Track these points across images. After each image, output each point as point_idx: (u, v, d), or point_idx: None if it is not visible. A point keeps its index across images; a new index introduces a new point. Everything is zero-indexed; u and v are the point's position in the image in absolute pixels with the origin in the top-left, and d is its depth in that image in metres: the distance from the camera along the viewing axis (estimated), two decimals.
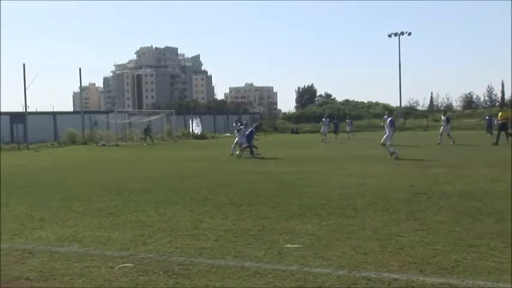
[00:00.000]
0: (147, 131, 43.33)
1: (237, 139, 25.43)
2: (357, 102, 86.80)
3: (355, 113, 75.74)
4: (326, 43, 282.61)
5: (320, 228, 7.99)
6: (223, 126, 70.19)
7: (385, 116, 31.99)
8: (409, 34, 71.85)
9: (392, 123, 22.03)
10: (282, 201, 10.75)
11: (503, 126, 29.63)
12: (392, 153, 20.82)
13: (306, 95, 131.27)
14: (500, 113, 31.24)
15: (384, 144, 21.95)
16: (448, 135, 30.35)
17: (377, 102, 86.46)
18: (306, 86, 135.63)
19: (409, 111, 76.89)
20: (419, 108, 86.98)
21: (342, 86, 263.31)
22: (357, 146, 29.16)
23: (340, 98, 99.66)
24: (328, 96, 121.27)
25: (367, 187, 12.62)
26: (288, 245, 6.97)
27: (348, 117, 51.67)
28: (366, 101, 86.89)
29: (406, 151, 24.20)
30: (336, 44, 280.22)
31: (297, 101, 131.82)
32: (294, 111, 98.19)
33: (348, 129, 46.70)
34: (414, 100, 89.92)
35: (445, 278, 5.48)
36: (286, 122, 77.58)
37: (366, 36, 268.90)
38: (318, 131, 48.16)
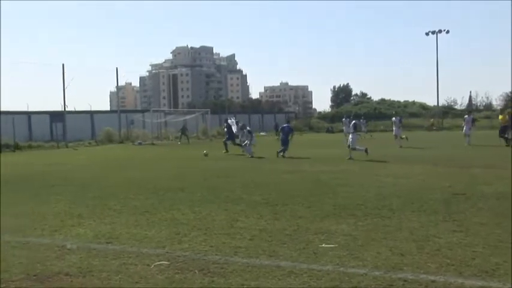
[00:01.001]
0: (183, 130, 43.72)
1: (242, 139, 26.41)
2: (393, 101, 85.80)
3: (391, 112, 74.88)
4: (362, 41, 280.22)
5: (356, 229, 7.93)
6: (258, 125, 70.28)
7: (344, 119, 31.96)
8: (447, 32, 70.66)
9: (355, 126, 23.19)
10: (317, 200, 10.70)
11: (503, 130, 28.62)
12: (350, 154, 21.67)
13: (341, 94, 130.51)
14: (500, 116, 30.54)
15: (349, 147, 22.26)
16: (466, 135, 29.50)
17: (413, 101, 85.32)
18: (342, 85, 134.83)
19: (447, 111, 75.56)
20: (457, 107, 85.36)
21: (378, 85, 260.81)
22: (389, 145, 28.81)
23: (376, 97, 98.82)
24: (363, 95, 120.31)
25: (403, 187, 12.46)
26: (323, 245, 6.94)
27: (362, 117, 51.17)
28: (402, 100, 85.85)
29: (440, 151, 23.83)
30: (372, 42, 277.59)
31: (332, 100, 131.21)
32: (329, 110, 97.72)
33: (362, 129, 46.11)
34: (452, 99, 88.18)
35: (485, 281, 5.38)
36: (321, 121, 77.15)
37: (402, 35, 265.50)
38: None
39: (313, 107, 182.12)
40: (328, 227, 8.10)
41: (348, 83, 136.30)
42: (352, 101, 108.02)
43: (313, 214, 9.22)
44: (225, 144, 27.86)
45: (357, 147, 22.44)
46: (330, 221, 8.60)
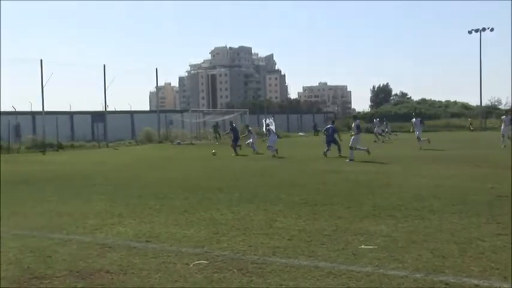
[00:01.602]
0: (215, 127, 44.08)
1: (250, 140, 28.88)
2: (434, 101, 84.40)
3: (431, 112, 73.71)
4: (403, 40, 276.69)
5: (395, 230, 7.83)
6: (297, 125, 70.14)
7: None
8: (492, 30, 69.08)
9: (357, 127, 23.06)
10: (355, 201, 10.62)
11: None
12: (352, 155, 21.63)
13: (381, 94, 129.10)
14: None
15: (351, 148, 22.07)
16: (504, 135, 28.57)
17: (455, 101, 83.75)
18: (381, 85, 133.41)
19: (490, 111, 73.89)
20: (501, 107, 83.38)
21: (419, 84, 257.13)
22: (424, 146, 28.32)
23: (416, 97, 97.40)
24: (403, 95, 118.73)
25: (444, 188, 12.25)
26: (362, 246, 6.88)
27: (384, 118, 50.52)
28: (443, 100, 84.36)
29: (477, 151, 23.33)
30: (413, 41, 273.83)
31: (371, 100, 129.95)
32: (369, 110, 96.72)
33: (386, 130, 45.41)
34: (496, 99, 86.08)
35: None
36: (361, 121, 76.50)
37: (444, 33, 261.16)
38: (393, 131, 47.29)
39: (352, 107, 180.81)
40: (367, 227, 8.03)
41: (387, 83, 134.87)
42: (392, 101, 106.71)
43: (352, 215, 9.15)
44: (234, 148, 28.35)
45: (358, 147, 22.39)
46: (369, 221, 8.52)
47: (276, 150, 25.14)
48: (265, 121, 59.82)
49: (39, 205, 11.21)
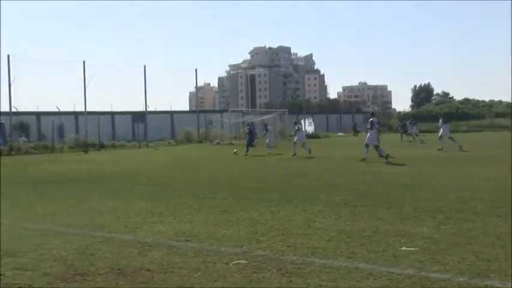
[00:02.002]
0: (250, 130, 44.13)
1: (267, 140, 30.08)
2: (478, 100, 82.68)
3: (475, 112, 72.27)
4: (445, 38, 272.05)
5: (437, 232, 7.69)
6: (336, 125, 69.70)
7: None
8: None
9: (372, 123, 21.92)
10: (396, 202, 10.48)
11: None
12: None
13: (422, 94, 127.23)
14: None
15: (367, 145, 21.51)
16: None
17: (500, 100, 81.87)
18: (423, 84, 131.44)
19: None
20: None
21: (462, 84, 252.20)
22: (465, 147, 27.75)
23: (458, 97, 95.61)
24: (445, 94, 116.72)
25: (487, 190, 11.96)
26: (403, 248, 6.79)
27: (411, 119, 49.67)
28: (487, 100, 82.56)
29: None
30: (456, 39, 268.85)
31: (412, 100, 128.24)
32: (409, 110, 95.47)
33: (413, 132, 44.47)
34: None
35: None
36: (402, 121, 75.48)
37: (488, 31, 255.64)
38: (434, 131, 46.47)
39: (393, 107, 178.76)
40: (408, 229, 7.91)
41: (429, 82, 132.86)
42: (433, 101, 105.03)
43: (393, 216, 9.04)
44: (247, 147, 29.61)
45: (380, 148, 21.38)
46: (410, 223, 8.40)
47: (309, 150, 25.75)
48: (305, 121, 59.70)
49: (82, 203, 11.44)
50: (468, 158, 21.82)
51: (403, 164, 19.24)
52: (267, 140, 30.19)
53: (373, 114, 23.26)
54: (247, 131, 31.95)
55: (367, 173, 16.44)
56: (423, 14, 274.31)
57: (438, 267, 5.92)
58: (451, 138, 28.04)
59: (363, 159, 20.65)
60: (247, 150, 29.04)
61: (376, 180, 14.56)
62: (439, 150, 26.50)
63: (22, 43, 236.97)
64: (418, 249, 6.71)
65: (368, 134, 21.84)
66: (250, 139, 30.47)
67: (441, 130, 28.89)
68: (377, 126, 22.76)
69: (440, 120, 29.93)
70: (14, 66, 37.28)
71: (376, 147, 21.27)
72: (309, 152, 25.28)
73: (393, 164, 19.66)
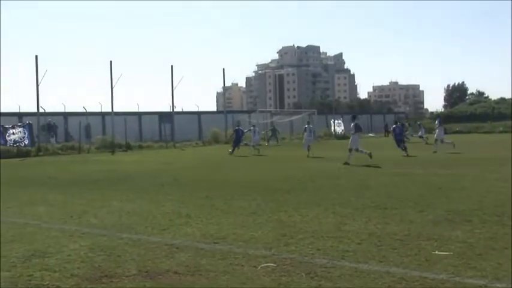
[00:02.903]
0: (274, 131, 44.07)
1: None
2: None
3: (510, 112, 70.87)
4: (479, 36, 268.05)
5: (472, 236, 7.58)
6: (367, 126, 69.18)
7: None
8: None
9: (356, 127, 21.80)
10: (428, 205, 10.37)
11: None
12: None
13: (455, 93, 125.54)
14: None
15: (350, 150, 21.34)
16: None
17: None
18: (456, 84, 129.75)
19: None
20: None
21: (498, 83, 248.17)
22: (496, 148, 27.27)
23: (494, 96, 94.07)
24: (480, 94, 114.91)
25: None
26: (436, 252, 6.71)
27: (417, 121, 48.99)
28: None
29: None
30: (492, 36, 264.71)
31: (445, 100, 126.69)
32: (442, 110, 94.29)
33: (418, 134, 43.71)
34: None
35: None
36: (434, 122, 74.55)
37: None
38: (468, 132, 45.91)
39: (425, 107, 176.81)
40: (441, 233, 7.82)
41: (463, 82, 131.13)
42: (468, 101, 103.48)
43: (425, 219, 8.94)
44: (233, 147, 31.16)
45: (360, 149, 21.41)
46: (443, 226, 8.29)
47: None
48: (334, 122, 59.44)
49: (109, 204, 11.58)
50: (506, 159, 21.44)
51: (435, 166, 19.00)
52: (252, 140, 32.29)
53: (354, 117, 23.04)
54: (234, 130, 33.03)
55: (399, 174, 16.29)
56: (456, 9, 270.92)
57: (473, 272, 5.83)
58: (441, 141, 28.35)
59: (346, 164, 20.43)
60: (233, 151, 30.41)
61: (408, 182, 14.42)
62: (434, 152, 26.49)
63: (49, 43, 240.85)
64: (451, 253, 6.62)
65: (351, 138, 21.76)
66: (237, 139, 31.66)
67: (436, 132, 29.15)
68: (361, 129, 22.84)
69: (436, 121, 29.86)
70: (42, 67, 37.80)
71: (356, 150, 21.28)
72: (310, 154, 26.08)
73: (426, 165, 19.44)
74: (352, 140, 21.59)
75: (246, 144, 33.50)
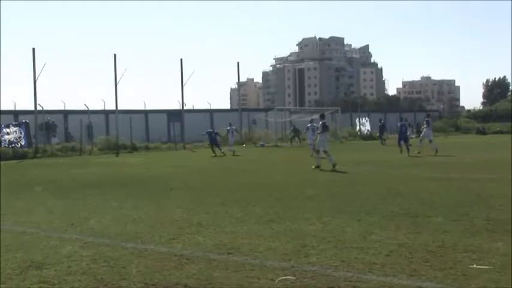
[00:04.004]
0: (296, 131, 43.95)
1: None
2: None
3: None
4: None
5: None
6: (396, 125, 68.91)
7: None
8: None
9: (323, 126, 21.54)
10: (465, 213, 10.29)
11: None
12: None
13: (496, 89, 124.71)
14: None
15: (318, 152, 21.35)
16: None
17: None
18: (497, 79, 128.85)
19: None
20: None
21: None
22: None
23: None
24: None
25: None
26: (474, 266, 6.66)
27: (407, 120, 48.54)
28: None
29: None
30: None
31: (484, 97, 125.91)
32: (481, 108, 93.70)
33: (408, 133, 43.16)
34: None
35: None
36: (471, 121, 74.10)
37: None
38: (510, 132, 45.51)
39: (461, 104, 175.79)
40: (480, 244, 7.76)
41: (504, 76, 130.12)
42: (510, 97, 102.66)
43: (462, 229, 8.87)
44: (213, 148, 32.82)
45: (328, 152, 20.92)
46: (482, 237, 8.23)
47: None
48: (360, 121, 59.23)
49: (113, 211, 11.65)
50: None
51: (473, 170, 18.87)
52: (229, 140, 34.33)
53: (322, 116, 22.97)
54: (207, 133, 34.65)
55: (432, 179, 16.21)
56: None
57: None
58: (430, 141, 28.85)
59: (316, 167, 20.36)
60: (214, 152, 31.97)
61: (443, 187, 14.33)
62: (418, 153, 27.19)
63: (48, 34, 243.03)
64: (491, 267, 6.57)
65: (319, 137, 21.62)
66: (212, 141, 33.12)
67: (424, 131, 29.81)
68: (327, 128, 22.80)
69: (425, 121, 30.38)
70: (40, 60, 37.98)
71: (325, 152, 21.15)
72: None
73: (462, 169, 19.31)
74: (319, 141, 21.65)
75: (262, 145, 34.02)
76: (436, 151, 26.84)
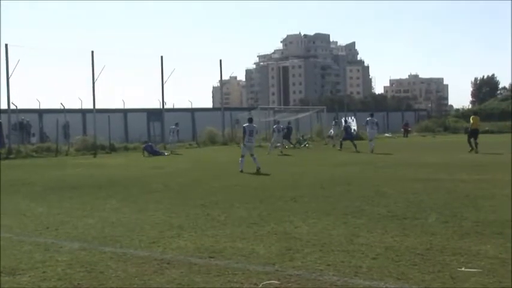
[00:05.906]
0: (290, 130, 43.99)
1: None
2: None
3: None
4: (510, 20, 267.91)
5: (504, 251, 7.57)
6: (383, 125, 69.22)
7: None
8: None
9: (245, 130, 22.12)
10: (454, 215, 10.36)
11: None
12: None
13: (484, 88, 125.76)
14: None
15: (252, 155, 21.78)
16: None
17: None
18: (485, 77, 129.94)
19: None
20: None
21: None
22: None
23: None
24: None
25: None
26: (463, 269, 6.71)
27: (352, 116, 49.44)
28: None
29: None
30: None
31: (473, 95, 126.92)
32: (469, 107, 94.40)
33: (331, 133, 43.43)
34: None
35: None
36: (460, 120, 74.44)
37: None
38: (501, 131, 45.86)
39: (449, 103, 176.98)
40: (468, 247, 7.82)
41: (493, 74, 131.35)
42: (499, 96, 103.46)
43: (450, 231, 8.94)
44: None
45: (254, 156, 21.75)
46: (470, 239, 8.30)
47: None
48: (346, 120, 59.41)
49: (90, 214, 11.58)
50: None
51: (461, 171, 18.99)
52: (169, 139, 36.67)
53: (251, 120, 23.28)
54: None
55: (420, 180, 16.29)
56: None
57: None
58: (371, 139, 31.08)
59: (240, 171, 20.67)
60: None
61: (430, 188, 14.41)
62: (333, 146, 31.24)
63: (21, 30, 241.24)
64: (480, 270, 6.63)
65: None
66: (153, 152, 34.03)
67: (367, 129, 32.47)
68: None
69: (367, 119, 32.49)
70: (13, 57, 37.73)
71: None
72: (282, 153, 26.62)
73: (451, 170, 19.42)
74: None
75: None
76: (372, 151, 29.09)
